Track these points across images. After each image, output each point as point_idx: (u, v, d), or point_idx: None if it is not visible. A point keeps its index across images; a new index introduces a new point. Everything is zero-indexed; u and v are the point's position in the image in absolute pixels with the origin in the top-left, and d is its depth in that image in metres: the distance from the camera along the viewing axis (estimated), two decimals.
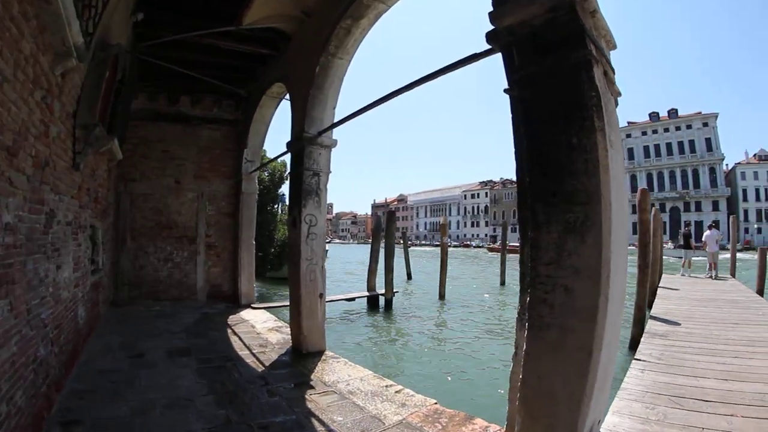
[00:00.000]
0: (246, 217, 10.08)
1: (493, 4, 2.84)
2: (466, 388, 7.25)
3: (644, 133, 74.07)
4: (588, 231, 2.40)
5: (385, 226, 16.25)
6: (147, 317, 8.19)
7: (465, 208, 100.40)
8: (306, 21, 6.58)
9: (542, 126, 2.65)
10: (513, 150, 2.89)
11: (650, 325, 7.82)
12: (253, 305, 9.68)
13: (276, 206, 22.09)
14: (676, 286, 13.38)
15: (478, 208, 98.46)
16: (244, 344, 6.47)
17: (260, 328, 7.54)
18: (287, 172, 20.75)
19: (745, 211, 61.73)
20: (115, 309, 8.72)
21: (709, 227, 16.23)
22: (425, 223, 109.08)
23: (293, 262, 6.23)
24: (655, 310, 9.23)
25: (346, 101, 6.64)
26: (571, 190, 2.47)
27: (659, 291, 12.37)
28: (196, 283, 10.04)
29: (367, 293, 14.71)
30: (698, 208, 65.92)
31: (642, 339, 6.98)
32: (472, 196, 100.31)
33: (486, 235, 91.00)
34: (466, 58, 3.48)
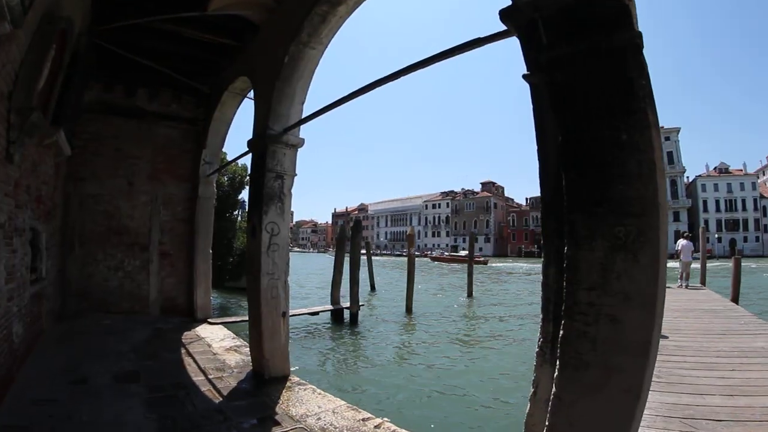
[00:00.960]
0: (203, 224, 9.26)
1: None
2: (445, 412, 6.80)
3: None
4: (642, 248, 1.94)
5: (351, 236, 15.53)
6: (95, 333, 7.38)
7: (426, 218, 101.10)
8: (277, 8, 5.97)
9: (582, 118, 2.15)
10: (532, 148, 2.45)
11: None
12: (209, 320, 8.87)
13: (236, 212, 21.11)
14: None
15: (439, 218, 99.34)
16: (200, 368, 5.73)
17: (217, 348, 6.79)
18: (248, 176, 20.00)
19: (706, 221, 64.37)
20: (61, 323, 7.86)
21: (684, 237, 16.30)
22: (386, 233, 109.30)
23: (252, 276, 5.52)
24: None
25: (312, 99, 6.00)
26: (621, 197, 2.00)
27: None
28: (148, 295, 9.15)
29: (331, 307, 14.01)
30: None
31: None
32: (434, 206, 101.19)
33: (447, 245, 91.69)
34: (470, 42, 3.02)
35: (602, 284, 2.02)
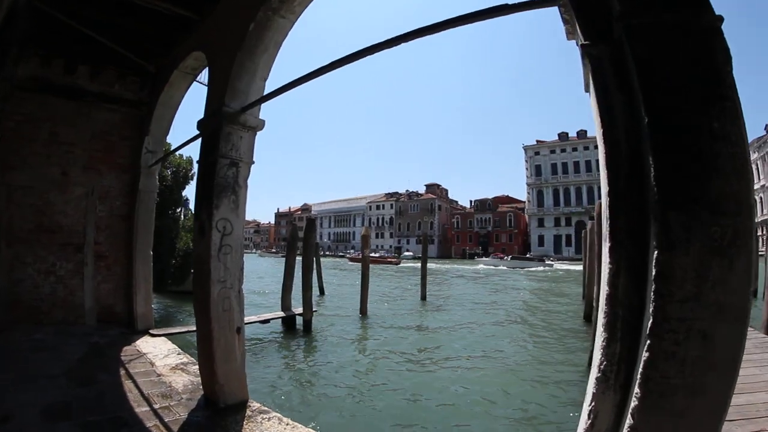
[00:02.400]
0: (143, 222, 8.16)
1: None
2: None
3: (552, 152, 79.62)
4: (738, 252, 1.71)
5: (304, 237, 14.64)
6: (23, 350, 6.22)
7: (370, 219, 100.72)
8: None
9: (672, 100, 1.85)
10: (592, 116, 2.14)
11: None
12: (151, 331, 7.76)
13: (179, 210, 19.36)
14: None
15: (383, 219, 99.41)
16: (143, 395, 4.71)
17: (161, 366, 5.76)
18: (193, 171, 18.46)
19: None
20: None
21: None
22: (329, 234, 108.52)
23: (200, 284, 4.57)
24: None
25: (271, 81, 5.20)
26: (717, 194, 1.75)
27: None
28: (83, 303, 7.91)
29: (282, 314, 12.99)
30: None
31: None
32: (378, 208, 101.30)
33: (391, 246, 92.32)
34: (496, 7, 2.63)
35: (696, 295, 1.73)
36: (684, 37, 1.89)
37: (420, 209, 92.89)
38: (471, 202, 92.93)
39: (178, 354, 6.40)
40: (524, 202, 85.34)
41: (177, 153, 15.58)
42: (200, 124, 5.09)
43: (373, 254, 70.03)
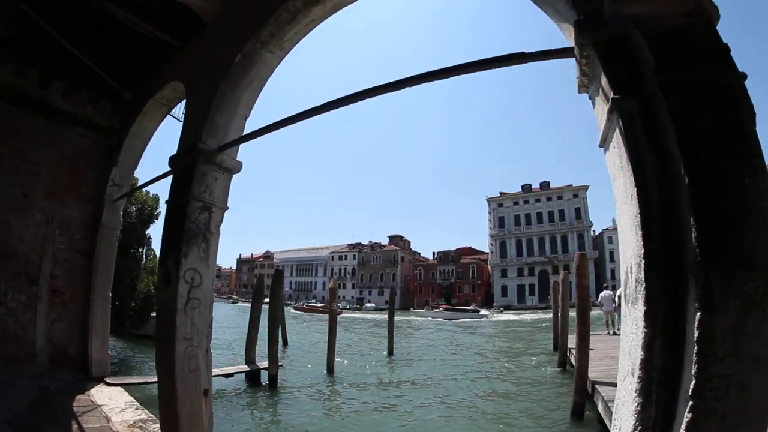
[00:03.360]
0: (104, 259, 7.61)
1: None
2: None
3: (516, 203, 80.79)
4: None
5: (271, 288, 13.88)
6: None
7: (332, 269, 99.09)
8: (234, 5, 4.99)
9: (708, 157, 1.85)
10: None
11: (604, 392, 7.38)
12: (107, 379, 7.11)
13: (141, 249, 18.29)
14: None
15: (345, 270, 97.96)
16: None
17: (118, 423, 5.16)
18: (158, 210, 17.62)
19: (612, 271, 67.92)
20: None
21: (605, 287, 17.36)
22: (291, 283, 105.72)
23: (163, 340, 4.09)
24: (592, 374, 8.82)
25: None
26: (751, 250, 1.75)
27: (575, 352, 12.05)
28: (35, 341, 7.19)
29: (246, 367, 12.18)
30: (567, 270, 72.14)
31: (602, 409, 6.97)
32: (340, 258, 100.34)
33: (353, 297, 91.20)
34: (513, 55, 2.75)
35: (735, 351, 1.74)
36: (715, 94, 1.93)
37: (383, 261, 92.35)
38: (434, 253, 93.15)
39: (136, 409, 5.80)
40: (487, 253, 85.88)
41: (143, 190, 14.97)
42: (172, 161, 4.70)
43: (314, 302, 69.99)
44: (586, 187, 75.59)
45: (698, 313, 1.75)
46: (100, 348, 7.37)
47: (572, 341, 13.52)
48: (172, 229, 4.30)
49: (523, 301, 74.01)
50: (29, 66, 7.18)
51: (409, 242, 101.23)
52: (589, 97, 2.57)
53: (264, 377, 11.95)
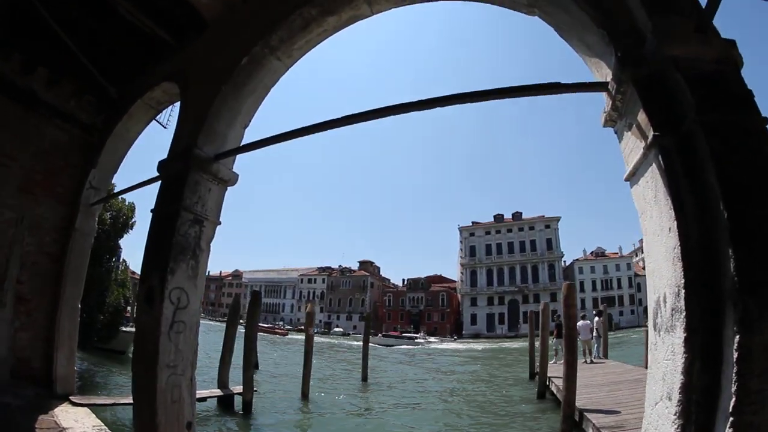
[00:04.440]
0: (74, 267, 7.02)
1: (656, 25, 2.34)
2: None
3: (488, 233, 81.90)
4: None
5: (248, 311, 13.19)
6: None
7: (301, 292, 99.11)
8: (241, 5, 4.72)
9: (744, 193, 2.02)
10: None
11: (595, 419, 7.50)
12: (72, 398, 6.50)
13: (113, 260, 17.09)
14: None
15: (314, 293, 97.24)
16: None
17: None
18: (134, 219, 16.86)
19: (582, 300, 68.97)
20: None
21: (582, 317, 17.14)
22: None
23: (144, 367, 3.66)
24: (578, 402, 8.78)
25: None
26: None
27: (556, 381, 12.25)
28: None
29: (219, 392, 11.40)
30: (536, 299, 72.24)
31: None
32: (310, 281, 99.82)
33: (320, 321, 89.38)
34: (546, 85, 2.75)
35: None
36: (745, 136, 2.12)
37: (352, 285, 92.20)
38: (404, 280, 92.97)
39: None
40: (457, 281, 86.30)
41: (120, 197, 14.24)
42: (162, 166, 4.32)
43: (263, 323, 68.94)
44: (557, 219, 77.61)
45: (737, 336, 1.89)
46: (65, 364, 6.76)
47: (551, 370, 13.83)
48: (159, 242, 3.91)
49: (493, 329, 74.65)
50: (15, 49, 6.63)
51: (378, 268, 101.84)
52: (615, 132, 2.66)
53: (237, 402, 11.32)
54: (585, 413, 8.00)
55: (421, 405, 13.09)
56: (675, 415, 2.02)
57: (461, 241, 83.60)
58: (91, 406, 6.51)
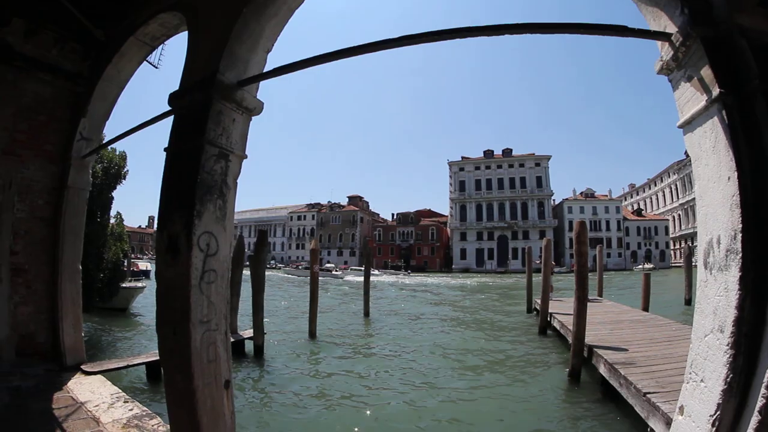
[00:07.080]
0: (71, 227, 6.44)
1: None
2: None
3: (477, 168, 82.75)
4: None
5: (254, 251, 12.91)
6: None
7: (291, 229, 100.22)
8: None
9: None
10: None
11: (606, 355, 7.81)
12: (84, 367, 6.08)
13: (107, 214, 15.72)
14: (565, 311, 13.56)
15: (304, 230, 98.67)
16: None
17: (110, 424, 4.24)
18: (127, 168, 15.62)
19: (570, 240, 70.36)
20: None
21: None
22: (249, 243, 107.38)
23: (173, 328, 3.18)
24: (586, 338, 9.16)
25: None
26: None
27: (561, 318, 12.99)
28: None
29: (231, 338, 11.12)
30: (526, 236, 75.89)
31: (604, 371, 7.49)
32: (299, 218, 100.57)
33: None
34: (613, 26, 2.71)
35: None
36: None
37: (342, 221, 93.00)
38: (393, 215, 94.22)
39: (125, 402, 4.88)
40: (447, 216, 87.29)
41: (109, 147, 13.31)
42: (174, 98, 3.73)
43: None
44: (548, 157, 78.90)
45: None
46: (72, 332, 6.29)
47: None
48: (179, 183, 3.37)
49: (482, 264, 76.82)
50: None
51: (368, 203, 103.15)
52: (669, 80, 2.74)
53: (249, 347, 11.27)
54: (595, 349, 8.35)
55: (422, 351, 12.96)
56: (727, 345, 2.18)
57: (451, 176, 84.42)
58: (104, 373, 6.15)
